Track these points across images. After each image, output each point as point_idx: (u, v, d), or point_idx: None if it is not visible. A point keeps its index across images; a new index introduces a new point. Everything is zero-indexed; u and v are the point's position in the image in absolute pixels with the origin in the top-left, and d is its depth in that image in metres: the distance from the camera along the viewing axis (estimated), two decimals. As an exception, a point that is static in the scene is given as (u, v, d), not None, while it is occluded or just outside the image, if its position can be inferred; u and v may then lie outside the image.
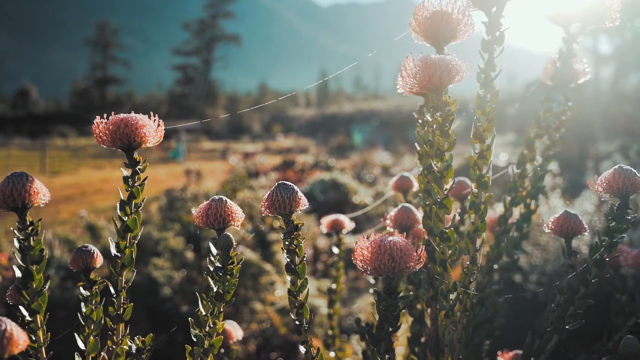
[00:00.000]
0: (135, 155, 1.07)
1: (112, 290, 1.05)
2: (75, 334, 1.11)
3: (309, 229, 6.32)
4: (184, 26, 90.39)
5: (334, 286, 2.11)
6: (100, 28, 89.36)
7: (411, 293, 1.46)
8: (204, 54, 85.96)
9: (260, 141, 40.83)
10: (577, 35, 1.41)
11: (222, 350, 1.72)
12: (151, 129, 1.05)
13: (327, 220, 2.10)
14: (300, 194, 1.04)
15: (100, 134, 1.03)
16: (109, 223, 6.56)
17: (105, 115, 1.07)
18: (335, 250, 2.08)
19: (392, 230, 1.46)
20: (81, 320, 1.12)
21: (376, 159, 19.09)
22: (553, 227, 1.25)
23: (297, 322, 1.02)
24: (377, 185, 11.99)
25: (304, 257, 1.05)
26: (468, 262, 1.12)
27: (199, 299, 1.05)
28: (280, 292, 4.43)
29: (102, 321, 1.12)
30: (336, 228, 2.09)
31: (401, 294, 0.98)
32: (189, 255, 4.60)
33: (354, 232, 3.92)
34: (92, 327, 1.12)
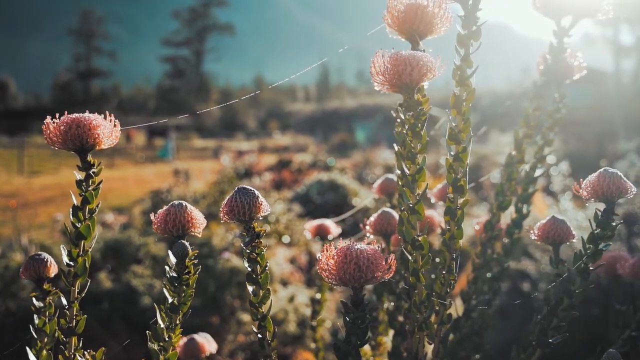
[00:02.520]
0: (89, 157, 1.08)
1: (64, 302, 1.06)
2: (27, 348, 1.13)
3: (304, 234, 6.34)
4: (174, 15, 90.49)
5: (318, 296, 2.12)
6: (84, 16, 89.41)
7: (392, 304, 1.47)
8: (195, 45, 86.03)
9: (255, 139, 40.87)
10: (569, 28, 1.42)
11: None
12: (106, 129, 1.07)
13: (311, 225, 2.11)
14: (261, 198, 1.05)
15: (51, 135, 1.05)
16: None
17: (57, 115, 1.08)
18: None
19: (371, 236, 1.48)
20: (33, 333, 1.13)
21: (379, 158, 19.07)
22: (540, 233, 1.27)
23: (259, 336, 1.03)
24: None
25: (266, 266, 1.06)
26: (444, 272, 1.13)
27: (157, 310, 1.06)
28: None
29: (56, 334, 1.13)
30: (321, 234, 2.09)
31: (369, 305, 1.00)
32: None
33: (354, 235, 3.92)
34: (46, 340, 1.13)
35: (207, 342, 1.73)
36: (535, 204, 5.64)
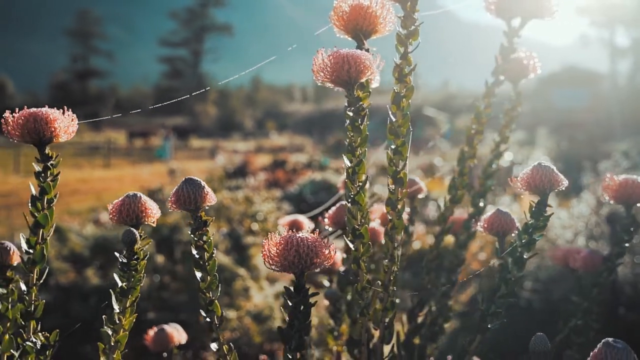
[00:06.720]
0: (48, 150, 1.13)
1: (24, 287, 1.12)
2: (-11, 332, 1.18)
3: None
4: (172, 15, 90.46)
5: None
6: (81, 17, 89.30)
7: (349, 295, 1.53)
8: (193, 45, 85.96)
9: (252, 139, 40.95)
10: (518, 28, 1.48)
11: (165, 355, 1.79)
12: (63, 123, 1.12)
13: (284, 220, 2.17)
14: (207, 189, 1.11)
15: (10, 128, 1.10)
16: (82, 227, 6.63)
17: (17, 110, 1.13)
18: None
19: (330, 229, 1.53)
20: (-4, 319, 1.18)
21: (376, 158, 19.09)
22: (485, 225, 1.32)
23: (207, 320, 1.09)
24: (373, 186, 12.04)
25: (212, 253, 1.12)
26: (386, 261, 1.19)
27: (112, 296, 1.12)
28: (258, 299, 4.52)
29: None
30: (295, 228, 2.15)
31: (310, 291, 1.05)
32: (159, 259, 4.67)
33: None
34: (8, 325, 1.19)
35: (176, 332, 1.78)
36: (523, 203, 5.72)
